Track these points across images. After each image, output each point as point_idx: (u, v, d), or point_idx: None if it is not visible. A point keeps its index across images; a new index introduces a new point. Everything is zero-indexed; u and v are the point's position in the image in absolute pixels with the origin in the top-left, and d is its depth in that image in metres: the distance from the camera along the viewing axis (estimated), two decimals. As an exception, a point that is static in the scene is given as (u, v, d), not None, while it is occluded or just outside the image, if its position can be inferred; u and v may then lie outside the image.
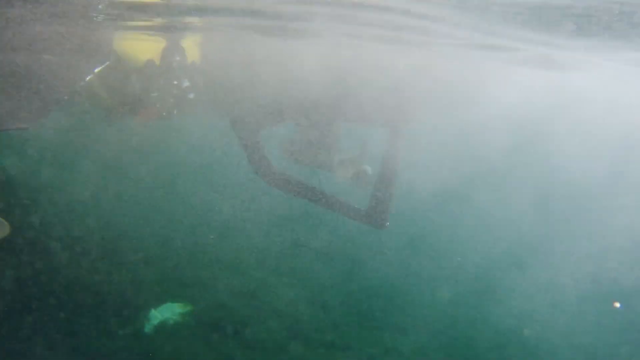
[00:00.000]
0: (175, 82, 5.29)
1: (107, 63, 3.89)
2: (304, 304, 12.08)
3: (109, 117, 5.96)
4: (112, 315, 10.27)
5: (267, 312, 11.40)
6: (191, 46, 5.57)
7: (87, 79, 3.77)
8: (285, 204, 14.12)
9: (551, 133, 20.58)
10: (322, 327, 11.34)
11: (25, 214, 10.78)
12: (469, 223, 17.07)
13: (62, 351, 9.29)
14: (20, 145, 12.04)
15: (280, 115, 6.42)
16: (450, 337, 12.30)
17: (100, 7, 4.01)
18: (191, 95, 5.39)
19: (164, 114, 5.44)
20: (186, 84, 5.34)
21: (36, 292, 10.01)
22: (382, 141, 6.41)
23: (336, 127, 6.53)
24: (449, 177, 17.61)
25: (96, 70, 3.78)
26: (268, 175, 6.53)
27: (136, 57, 5.23)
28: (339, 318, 11.82)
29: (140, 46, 5.35)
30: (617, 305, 13.53)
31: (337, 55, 7.96)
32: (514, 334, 12.17)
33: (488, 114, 14.65)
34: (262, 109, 6.13)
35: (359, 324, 11.84)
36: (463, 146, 20.25)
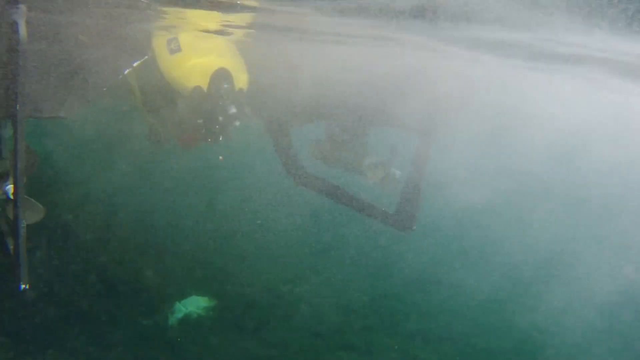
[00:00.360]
0: (223, 110, 5.30)
1: (146, 57, 3.98)
2: (328, 306, 12.11)
3: (150, 137, 6.01)
4: (137, 304, 10.44)
5: (290, 311, 11.47)
6: (237, 68, 5.50)
7: (126, 72, 3.88)
8: (314, 204, 14.13)
9: (591, 146, 20.30)
10: (343, 329, 11.35)
11: (55, 202, 11.03)
12: (500, 233, 16.89)
13: (84, 338, 9.41)
14: (55, 133, 12.24)
15: (313, 116, 6.44)
16: (474, 347, 12.21)
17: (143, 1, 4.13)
18: (237, 123, 5.42)
19: (209, 140, 5.47)
20: (233, 110, 5.34)
21: (63, 278, 10.21)
22: (412, 145, 6.41)
23: (366, 130, 6.55)
24: (483, 186, 17.47)
25: (135, 64, 3.88)
26: (298, 175, 6.58)
27: (183, 83, 5.19)
28: (361, 321, 11.83)
29: (188, 70, 5.25)
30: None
31: (370, 58, 7.96)
32: (543, 346, 12.01)
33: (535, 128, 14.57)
34: (296, 109, 6.15)
35: (381, 328, 11.83)
36: (499, 156, 20.05)
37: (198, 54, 5.37)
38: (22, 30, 3.24)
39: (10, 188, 3.84)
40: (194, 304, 10.71)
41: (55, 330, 9.30)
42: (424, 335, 12.02)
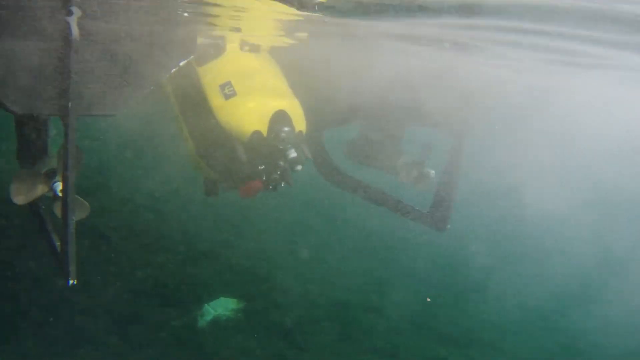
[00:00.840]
0: (284, 155, 5.13)
1: (191, 57, 4.02)
2: (358, 308, 12.11)
3: (207, 190, 5.85)
4: (167, 306, 10.52)
5: (320, 314, 11.48)
6: (295, 108, 5.34)
7: (172, 71, 3.92)
8: (345, 205, 14.13)
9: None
10: (373, 332, 11.34)
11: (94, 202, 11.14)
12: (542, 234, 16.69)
13: (115, 339, 9.49)
14: (99, 132, 12.35)
15: (349, 116, 6.44)
16: (500, 350, 12.15)
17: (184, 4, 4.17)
18: (299, 168, 5.22)
19: (270, 187, 5.26)
20: (294, 155, 5.13)
21: (96, 279, 10.31)
22: (445, 145, 6.40)
23: (400, 130, 6.55)
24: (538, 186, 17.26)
25: (181, 64, 3.92)
26: (331, 175, 6.58)
27: (241, 128, 5.10)
28: (391, 325, 11.80)
29: (246, 114, 5.14)
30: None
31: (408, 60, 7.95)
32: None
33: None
34: (331, 109, 6.14)
35: (410, 332, 11.80)
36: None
37: (254, 96, 5.20)
38: (74, 29, 3.30)
39: (58, 185, 3.91)
40: (223, 306, 10.77)
41: (87, 330, 9.40)
42: (453, 340, 11.96)
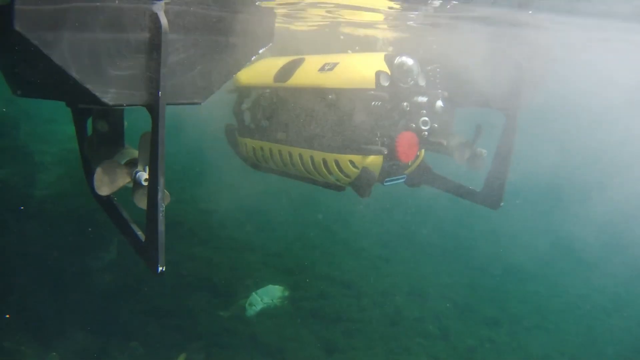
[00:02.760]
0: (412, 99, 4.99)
1: (270, 44, 4.06)
2: (404, 294, 12.18)
3: (362, 188, 5.13)
4: (215, 296, 10.66)
5: (369, 300, 11.56)
6: None
7: (253, 59, 3.98)
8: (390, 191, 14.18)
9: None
10: (422, 316, 11.39)
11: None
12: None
13: (167, 332, 9.63)
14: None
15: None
16: (545, 330, 12.13)
17: None
18: (440, 105, 5.13)
19: (425, 133, 5.05)
20: (422, 98, 5.02)
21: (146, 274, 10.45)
22: (497, 125, 6.38)
23: (453, 110, 6.53)
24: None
25: (260, 51, 3.98)
26: None
27: (363, 73, 4.89)
28: (437, 309, 11.86)
29: (360, 65, 4.99)
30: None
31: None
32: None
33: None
34: None
35: (457, 316, 11.83)
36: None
37: (359, 59, 5.14)
38: (163, 20, 3.36)
39: (142, 175, 3.98)
40: (270, 294, 10.88)
41: (139, 323, 9.56)
42: (498, 321, 11.96)
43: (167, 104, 3.48)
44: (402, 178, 5.46)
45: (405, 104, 4.92)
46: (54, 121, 17.06)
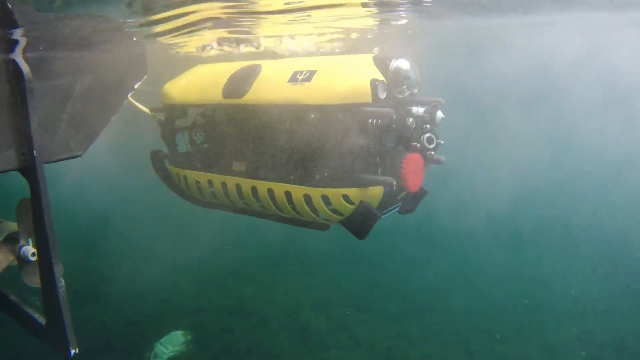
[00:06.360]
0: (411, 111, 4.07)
1: (145, 77, 3.65)
2: (308, 309, 12.01)
3: (363, 226, 4.07)
4: (118, 357, 9.84)
5: (276, 324, 11.27)
6: None
7: (129, 95, 3.55)
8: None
9: None
10: (330, 329, 11.28)
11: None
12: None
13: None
14: None
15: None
16: (450, 311, 12.47)
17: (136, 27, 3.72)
18: (441, 116, 4.19)
19: (431, 153, 4.14)
20: (420, 111, 4.07)
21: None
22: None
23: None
24: None
25: (136, 86, 3.56)
26: None
27: (355, 84, 3.89)
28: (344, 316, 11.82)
29: (347, 75, 3.94)
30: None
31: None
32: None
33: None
34: None
35: (365, 318, 11.86)
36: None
37: (343, 68, 4.04)
38: (25, 68, 2.88)
39: (27, 249, 3.43)
40: (174, 341, 10.23)
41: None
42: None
43: (45, 163, 3.01)
44: (397, 207, 4.40)
45: (410, 120, 4.02)
46: None
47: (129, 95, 3.60)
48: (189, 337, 10.53)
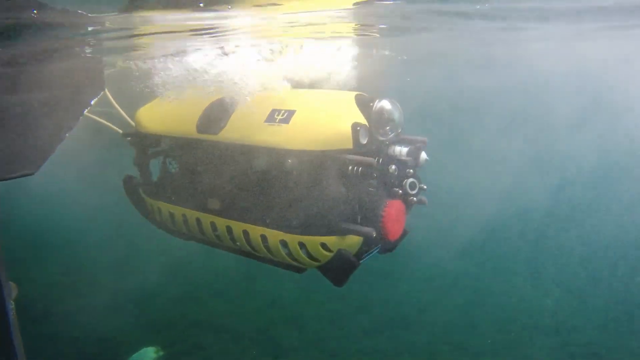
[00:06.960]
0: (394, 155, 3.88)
1: (102, 92, 3.59)
2: (280, 322, 11.89)
3: (343, 272, 3.95)
4: None
5: (247, 340, 11.16)
6: None
7: (85, 112, 3.48)
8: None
9: None
10: (302, 345, 11.18)
11: None
12: None
13: None
14: None
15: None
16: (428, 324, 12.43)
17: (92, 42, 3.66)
18: (425, 158, 3.96)
19: (412, 199, 3.96)
20: (403, 153, 3.86)
21: None
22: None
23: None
24: None
25: (92, 102, 3.49)
26: None
27: (337, 127, 3.70)
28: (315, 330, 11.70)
29: (326, 119, 3.75)
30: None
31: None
32: None
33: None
34: None
35: (335, 331, 11.77)
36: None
37: (323, 110, 3.84)
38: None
39: None
40: (147, 358, 10.09)
41: None
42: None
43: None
44: (377, 248, 4.21)
45: (393, 167, 3.83)
46: None
47: (85, 112, 3.52)
48: (161, 354, 10.41)
